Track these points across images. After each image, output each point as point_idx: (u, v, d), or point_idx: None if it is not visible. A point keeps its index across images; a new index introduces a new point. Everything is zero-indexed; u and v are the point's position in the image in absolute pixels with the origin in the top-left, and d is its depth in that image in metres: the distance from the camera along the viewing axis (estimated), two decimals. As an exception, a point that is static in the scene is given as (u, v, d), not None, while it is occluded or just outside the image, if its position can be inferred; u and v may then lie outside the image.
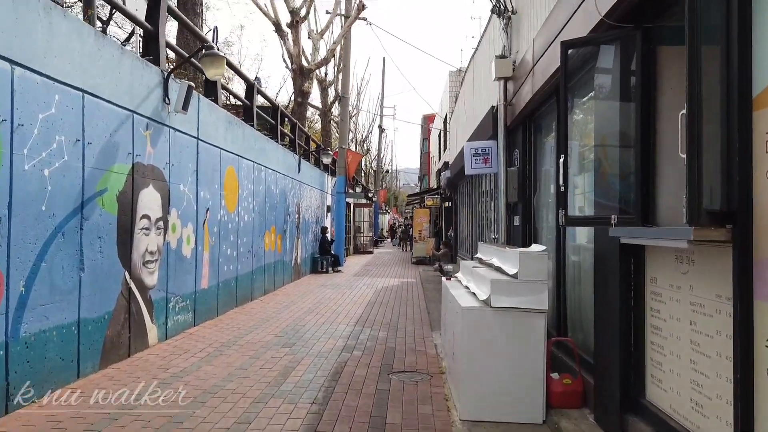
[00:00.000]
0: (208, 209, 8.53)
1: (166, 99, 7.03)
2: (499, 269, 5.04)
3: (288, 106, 21.11)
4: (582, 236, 5.05)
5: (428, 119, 45.12)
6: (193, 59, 7.53)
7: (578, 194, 5.34)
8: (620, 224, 3.47)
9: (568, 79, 3.76)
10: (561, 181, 3.74)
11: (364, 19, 20.64)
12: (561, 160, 3.74)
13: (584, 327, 4.90)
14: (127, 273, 6.15)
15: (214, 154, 8.78)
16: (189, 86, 7.05)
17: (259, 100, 13.83)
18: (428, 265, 21.36)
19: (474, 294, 4.95)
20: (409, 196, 38.78)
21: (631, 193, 3.56)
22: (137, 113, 6.33)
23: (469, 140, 8.44)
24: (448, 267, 6.84)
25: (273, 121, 13.02)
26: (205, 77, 9.19)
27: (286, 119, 14.77)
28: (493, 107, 7.58)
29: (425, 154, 47.00)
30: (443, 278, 6.81)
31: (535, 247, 4.72)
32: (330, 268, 17.94)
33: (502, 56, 7.12)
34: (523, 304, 4.39)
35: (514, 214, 7.14)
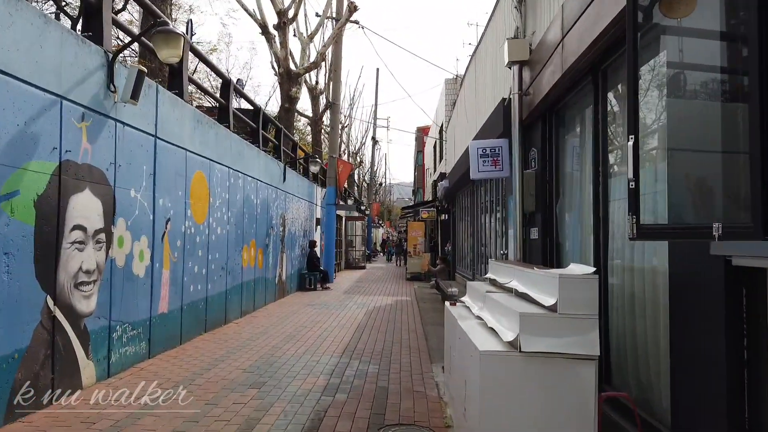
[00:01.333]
0: (168, 220, 7.28)
1: (111, 86, 5.81)
2: (524, 297, 3.82)
3: (277, 115, 19.98)
4: (632, 252, 3.84)
5: (423, 131, 44.20)
6: (145, 39, 6.30)
7: (617, 200, 4.15)
8: (726, 237, 2.27)
9: (638, 25, 2.57)
10: (631, 175, 2.54)
11: (356, 22, 19.60)
12: (630, 143, 2.54)
13: (641, 377, 3.67)
14: (49, 298, 4.87)
15: (177, 156, 7.54)
16: (139, 71, 5.84)
17: (241, 105, 12.68)
18: (423, 282, 20.11)
19: (492, 330, 3.73)
20: (403, 209, 37.59)
21: (736, 191, 2.37)
22: (68, 99, 5.10)
23: (474, 139, 7.27)
24: (453, 290, 5.63)
25: (254, 125, 11.80)
26: (170, 69, 8.01)
27: (270, 124, 13.56)
28: (504, 99, 6.41)
29: (419, 167, 45.95)
30: (446, 303, 5.58)
31: (577, 268, 3.51)
32: (318, 285, 16.67)
33: (516, 37, 5.97)
34: (566, 347, 3.17)
35: (531, 225, 5.94)
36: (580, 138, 5.09)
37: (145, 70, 5.91)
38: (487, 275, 5.52)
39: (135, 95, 5.88)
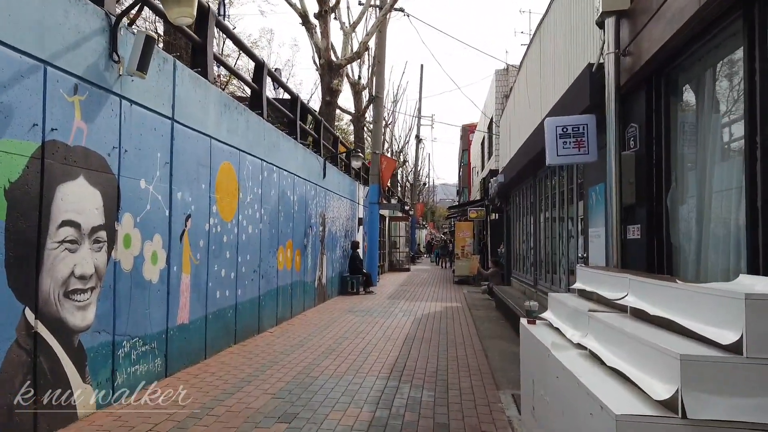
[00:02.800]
0: (189, 216, 6.32)
1: (115, 55, 4.86)
2: (651, 320, 2.60)
3: (319, 109, 19.05)
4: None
5: (468, 129, 42.76)
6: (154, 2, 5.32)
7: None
8: None
9: None
10: None
11: (401, 9, 18.52)
12: None
13: None
14: (29, 310, 3.93)
15: (200, 144, 6.59)
16: (147, 37, 4.87)
17: (279, 96, 11.73)
18: (473, 286, 18.81)
19: (614, 371, 2.53)
20: (449, 208, 36.22)
21: None
22: (54, 66, 4.15)
23: (549, 116, 5.99)
24: (531, 303, 4.41)
25: (291, 115, 10.83)
26: (192, 45, 7.07)
27: (309, 115, 12.58)
28: (590, 65, 5.15)
29: (465, 166, 44.47)
30: (523, 320, 4.39)
31: (761, 283, 2.26)
32: (361, 289, 15.63)
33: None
34: (762, 414, 1.94)
35: (630, 222, 4.66)
36: (707, 104, 3.81)
37: (155, 36, 4.94)
38: (575, 285, 4.29)
39: (143, 66, 4.92)
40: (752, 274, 3.05)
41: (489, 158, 22.74)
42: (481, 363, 6.98)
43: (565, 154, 5.15)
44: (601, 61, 4.90)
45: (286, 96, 11.83)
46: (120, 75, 4.94)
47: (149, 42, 4.90)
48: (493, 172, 18.44)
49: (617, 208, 4.55)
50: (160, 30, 12.28)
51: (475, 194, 29.89)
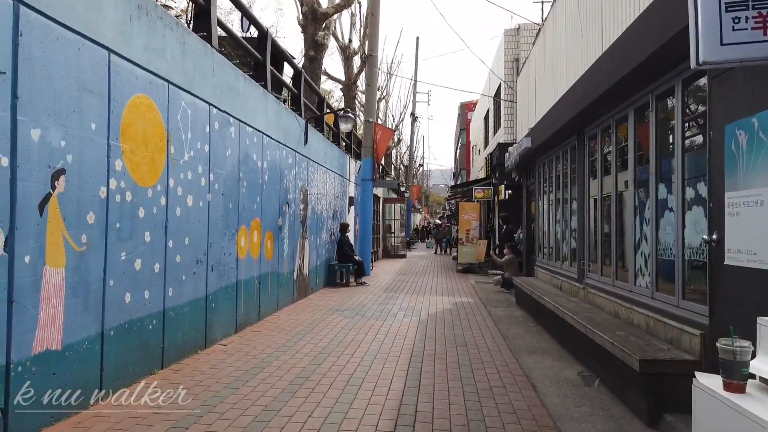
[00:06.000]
0: (61, 172, 3.79)
1: None
2: None
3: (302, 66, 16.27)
4: None
5: (466, 107, 40.24)
6: None
7: None
8: None
9: None
10: None
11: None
12: None
13: None
14: None
15: (85, 56, 4.04)
16: None
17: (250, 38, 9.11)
18: (480, 275, 16.42)
19: None
20: (451, 188, 33.65)
21: None
22: None
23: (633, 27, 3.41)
24: (739, 344, 1.93)
25: (259, 56, 8.24)
26: None
27: (287, 63, 9.96)
28: None
29: (462, 147, 41.89)
30: (706, 381, 1.93)
31: None
32: (352, 279, 13.19)
33: None
34: None
35: None
36: None
37: None
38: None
39: None
40: None
41: (496, 131, 20.25)
42: (530, 402, 4.55)
43: (738, 42, 2.68)
44: None
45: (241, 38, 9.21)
46: None
47: None
48: (502, 146, 15.97)
49: None
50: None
51: (476, 174, 27.43)
